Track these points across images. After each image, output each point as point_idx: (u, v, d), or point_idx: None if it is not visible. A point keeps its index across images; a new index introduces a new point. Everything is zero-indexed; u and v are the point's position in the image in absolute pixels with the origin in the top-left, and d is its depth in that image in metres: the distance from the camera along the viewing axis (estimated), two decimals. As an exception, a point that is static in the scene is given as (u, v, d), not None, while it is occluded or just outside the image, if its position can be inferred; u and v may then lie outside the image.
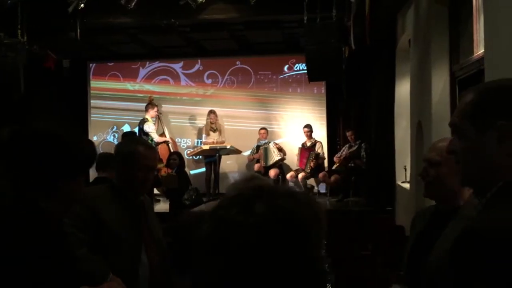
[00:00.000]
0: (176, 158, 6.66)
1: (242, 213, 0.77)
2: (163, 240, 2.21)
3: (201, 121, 9.49)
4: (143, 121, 8.45)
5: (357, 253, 4.64)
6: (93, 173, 4.06)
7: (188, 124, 9.93)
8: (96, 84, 10.14)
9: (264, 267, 0.75)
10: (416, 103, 5.31)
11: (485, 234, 0.87)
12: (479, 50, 3.76)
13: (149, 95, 9.16)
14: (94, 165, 1.58)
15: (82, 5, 6.43)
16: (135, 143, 2.34)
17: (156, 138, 8.34)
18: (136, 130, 8.70)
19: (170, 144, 8.69)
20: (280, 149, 8.80)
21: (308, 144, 8.74)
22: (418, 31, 5.21)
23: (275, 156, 8.62)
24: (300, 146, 8.81)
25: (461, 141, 1.06)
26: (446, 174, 1.76)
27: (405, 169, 6.35)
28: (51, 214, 1.32)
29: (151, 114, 8.58)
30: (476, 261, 0.85)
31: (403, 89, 6.51)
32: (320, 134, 9.28)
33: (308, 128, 8.78)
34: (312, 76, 6.50)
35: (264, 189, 0.82)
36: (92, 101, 10.12)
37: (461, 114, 1.07)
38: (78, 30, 7.03)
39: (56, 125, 1.41)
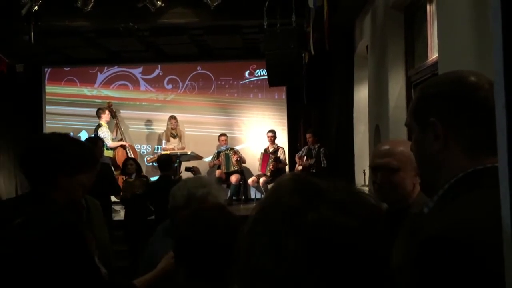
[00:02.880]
0: (133, 163, 6.52)
1: (343, 216, 0.68)
2: (109, 245, 2.25)
3: (161, 127, 9.36)
4: (98, 126, 8.28)
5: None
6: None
7: (148, 130, 9.78)
8: (51, 89, 9.85)
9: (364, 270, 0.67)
10: (373, 108, 5.40)
11: (447, 239, 0.84)
12: (433, 54, 3.86)
13: (107, 101, 8.98)
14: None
15: (36, 8, 6.24)
16: None
17: (109, 143, 8.17)
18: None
19: (128, 150, 8.52)
20: (238, 158, 8.78)
21: (271, 149, 8.77)
22: (375, 37, 5.31)
23: (233, 166, 8.63)
24: (263, 151, 8.83)
25: (413, 139, 1.07)
26: (403, 178, 1.75)
27: (364, 173, 6.44)
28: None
29: (104, 119, 8.41)
30: (441, 268, 0.82)
31: (361, 95, 6.61)
32: (281, 139, 9.32)
33: (272, 133, 8.82)
34: (272, 81, 6.54)
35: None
36: (47, 107, 9.82)
37: (409, 113, 1.08)
38: (32, 33, 6.81)
39: (57, 136, 1.77)
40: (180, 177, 6.66)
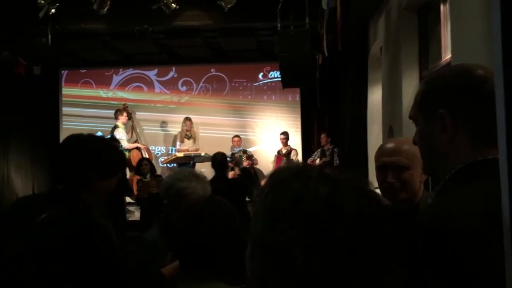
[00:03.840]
0: (147, 163, 6.60)
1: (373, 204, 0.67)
2: None
3: (175, 129, 9.43)
4: (114, 127, 8.37)
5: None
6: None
7: (162, 132, 9.86)
8: (68, 91, 9.99)
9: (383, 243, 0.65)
10: (387, 109, 5.39)
11: (434, 233, 0.85)
12: (447, 55, 3.85)
13: (123, 103, 9.08)
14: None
15: (53, 11, 6.35)
16: None
17: (125, 144, 8.25)
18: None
19: (143, 151, 8.60)
20: (250, 158, 8.79)
21: (284, 151, 8.79)
22: (389, 38, 5.31)
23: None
24: (276, 153, 8.85)
25: (417, 131, 1.08)
26: (412, 176, 1.75)
27: (378, 175, 6.41)
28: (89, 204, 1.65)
29: (121, 120, 8.50)
30: (435, 260, 0.83)
31: (375, 96, 6.60)
32: (295, 141, 9.33)
33: (284, 135, 8.83)
34: (286, 82, 6.55)
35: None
36: (63, 108, 9.96)
37: (414, 105, 1.09)
38: (49, 36, 6.93)
39: (95, 138, 1.82)
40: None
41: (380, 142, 6.07)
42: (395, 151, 1.78)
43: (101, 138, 1.92)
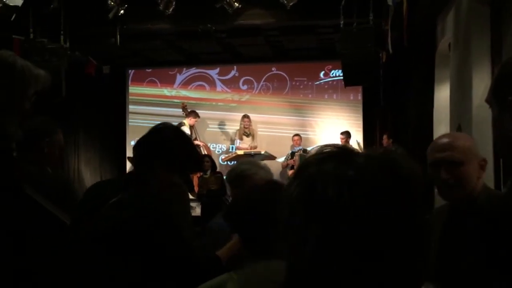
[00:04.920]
0: (208, 160, 6.70)
1: (339, 167, 0.63)
2: None
3: (236, 127, 9.51)
4: (180, 125, 8.57)
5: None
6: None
7: (223, 130, 9.98)
8: (134, 90, 10.35)
9: (362, 229, 0.59)
10: (455, 107, 5.16)
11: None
12: (523, 50, 3.62)
13: (182, 101, 9.26)
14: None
15: (122, 11, 6.59)
16: None
17: None
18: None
19: (202, 149, 8.75)
20: None
21: (344, 151, 8.63)
22: (459, 33, 5.07)
23: None
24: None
25: (492, 117, 1.02)
26: (468, 171, 1.65)
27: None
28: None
29: (190, 121, 8.68)
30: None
31: (442, 95, 6.34)
32: (356, 141, 9.14)
33: (345, 135, 8.67)
34: (348, 81, 6.44)
35: (352, 148, 0.71)
36: (130, 107, 10.34)
37: (490, 88, 1.03)
38: (118, 36, 7.20)
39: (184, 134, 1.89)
40: None
41: (447, 143, 5.84)
42: (448, 146, 1.69)
43: (184, 134, 1.91)
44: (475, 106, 4.36)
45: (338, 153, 0.65)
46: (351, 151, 0.66)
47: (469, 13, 4.62)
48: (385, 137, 8.16)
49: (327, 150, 0.67)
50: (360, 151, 0.68)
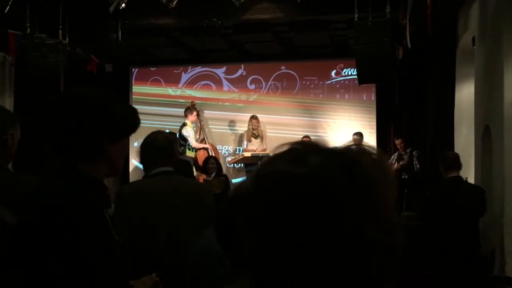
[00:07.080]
0: (214, 162, 6.35)
1: (292, 164, 0.64)
2: None
3: (243, 128, 9.15)
4: (183, 125, 8.27)
5: (414, 272, 4.11)
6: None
7: (230, 131, 9.63)
8: (138, 89, 10.03)
9: (315, 226, 0.60)
10: (482, 106, 4.74)
11: None
12: None
13: (190, 101, 8.96)
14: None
15: (123, 5, 6.26)
16: None
17: (194, 143, 8.10)
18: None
19: (210, 151, 8.41)
20: None
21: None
22: (485, 26, 4.65)
23: None
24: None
25: None
26: None
27: (466, 180, 5.73)
28: (94, 176, 1.40)
29: (190, 119, 8.37)
30: None
31: (464, 93, 5.93)
32: (369, 143, 8.74)
33: (358, 136, 8.26)
34: (362, 78, 6.09)
35: (320, 144, 0.68)
36: (134, 107, 9.99)
37: None
38: (120, 32, 6.88)
39: (98, 91, 1.48)
40: None
41: (470, 143, 5.43)
42: None
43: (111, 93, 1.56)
44: (507, 104, 3.94)
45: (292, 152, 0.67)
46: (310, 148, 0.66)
47: (498, 2, 4.21)
48: (399, 141, 7.72)
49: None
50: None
